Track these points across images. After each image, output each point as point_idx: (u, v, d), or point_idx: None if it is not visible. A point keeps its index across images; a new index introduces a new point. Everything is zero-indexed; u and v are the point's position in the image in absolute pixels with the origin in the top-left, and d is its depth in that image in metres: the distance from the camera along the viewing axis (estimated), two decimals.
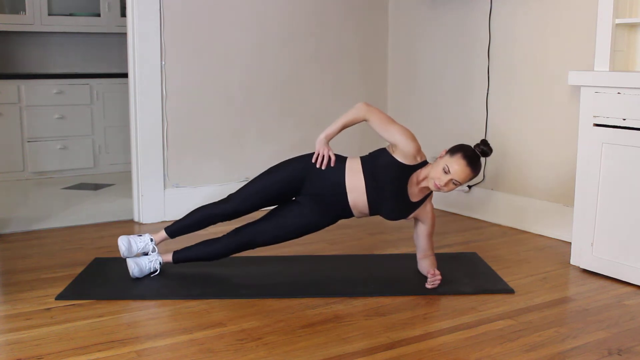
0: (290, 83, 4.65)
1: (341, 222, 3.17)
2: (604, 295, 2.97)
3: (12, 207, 4.58)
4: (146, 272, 3.07)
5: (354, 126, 3.05)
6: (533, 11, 3.95)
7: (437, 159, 2.91)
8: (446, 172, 2.82)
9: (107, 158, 5.94)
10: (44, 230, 4.00)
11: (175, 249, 3.17)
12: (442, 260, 3.24)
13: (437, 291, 2.97)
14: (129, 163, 5.04)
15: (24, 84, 5.52)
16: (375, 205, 2.96)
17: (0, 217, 4.25)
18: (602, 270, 3.20)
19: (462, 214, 4.51)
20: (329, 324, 2.62)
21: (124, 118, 5.67)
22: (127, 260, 3.05)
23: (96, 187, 5.34)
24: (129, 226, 4.14)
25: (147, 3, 4.08)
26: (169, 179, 4.29)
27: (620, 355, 2.37)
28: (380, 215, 3.01)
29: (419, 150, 2.91)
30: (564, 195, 3.83)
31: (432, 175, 2.86)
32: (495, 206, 4.27)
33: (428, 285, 2.99)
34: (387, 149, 2.96)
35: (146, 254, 3.11)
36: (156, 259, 3.10)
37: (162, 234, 3.12)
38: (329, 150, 2.96)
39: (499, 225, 4.21)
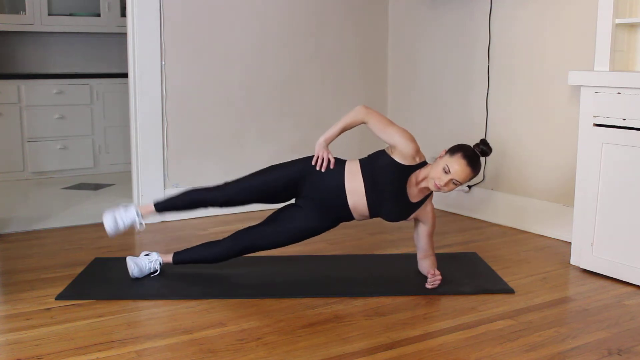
0: (290, 83, 4.65)
1: (341, 222, 3.17)
2: (604, 295, 2.98)
3: (12, 207, 4.58)
4: (146, 272, 3.07)
5: (352, 129, 3.06)
6: (533, 11, 3.95)
7: (436, 159, 2.91)
8: (446, 172, 2.82)
9: (107, 158, 5.94)
10: (44, 230, 4.00)
11: (176, 250, 3.17)
12: (442, 260, 3.24)
13: (437, 291, 2.97)
14: (129, 163, 5.04)
15: (24, 84, 5.52)
16: (375, 208, 2.96)
17: (0, 217, 4.25)
18: (602, 270, 3.20)
19: (462, 214, 4.51)
20: (329, 324, 2.62)
21: (124, 118, 5.67)
22: (127, 260, 3.05)
23: (96, 187, 5.34)
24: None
25: (147, 3, 4.08)
26: (169, 179, 4.29)
27: (620, 355, 2.37)
28: (381, 217, 3.01)
29: (417, 151, 2.91)
30: (564, 195, 3.83)
31: (432, 176, 2.86)
32: (495, 206, 4.27)
33: (428, 285, 2.99)
34: (386, 150, 2.96)
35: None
36: (156, 260, 3.10)
37: (150, 207, 3.08)
38: (328, 153, 2.95)
39: (499, 225, 4.21)
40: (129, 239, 3.90)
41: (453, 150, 2.87)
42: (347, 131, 3.00)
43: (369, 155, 3.01)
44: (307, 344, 2.43)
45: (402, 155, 2.89)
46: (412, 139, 2.89)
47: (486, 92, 4.27)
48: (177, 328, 2.57)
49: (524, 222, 4.08)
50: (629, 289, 3.05)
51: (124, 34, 4.33)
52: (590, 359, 2.34)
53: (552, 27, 3.85)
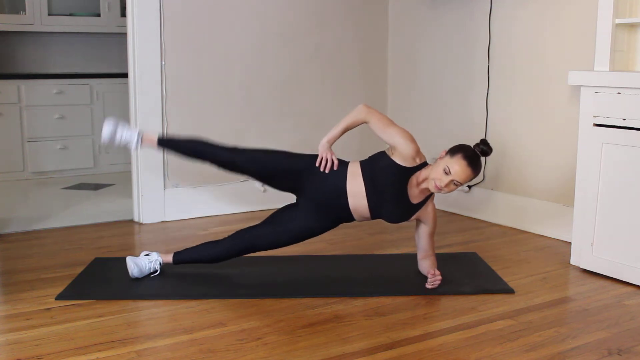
0: (290, 83, 4.64)
1: (342, 223, 3.17)
2: (604, 295, 2.98)
3: (12, 207, 4.58)
4: (146, 272, 3.07)
5: (353, 129, 3.06)
6: (533, 11, 3.95)
7: (436, 160, 2.90)
8: (447, 173, 2.82)
9: (107, 158, 5.93)
10: (44, 230, 4.00)
11: (176, 250, 3.17)
12: (442, 260, 3.24)
13: (437, 291, 2.97)
14: (129, 163, 5.03)
15: (24, 84, 5.52)
16: (376, 209, 2.96)
17: (0, 217, 4.25)
18: (602, 270, 3.20)
19: (462, 214, 4.51)
20: (329, 324, 2.62)
21: (124, 118, 5.65)
22: (127, 260, 3.05)
23: (96, 187, 5.34)
24: (129, 226, 4.14)
25: (147, 3, 4.08)
26: (169, 179, 4.29)
27: (620, 355, 2.37)
28: (383, 219, 3.01)
29: (418, 152, 2.90)
30: (564, 195, 3.83)
31: (433, 177, 2.85)
32: (495, 206, 4.27)
33: (428, 285, 2.99)
34: (386, 151, 2.95)
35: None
36: (156, 260, 3.10)
37: (154, 138, 3.08)
38: (332, 155, 2.96)
39: (499, 225, 4.21)
40: (129, 239, 3.91)
41: (453, 151, 2.86)
42: (347, 132, 3.01)
43: (370, 157, 3.01)
44: (307, 344, 2.43)
45: (402, 156, 2.88)
46: (413, 140, 2.89)
47: (486, 92, 4.27)
48: (177, 328, 2.57)
49: (524, 222, 4.08)
50: (629, 289, 3.05)
51: (124, 34, 4.33)
52: (590, 359, 2.34)
53: (552, 27, 3.85)
